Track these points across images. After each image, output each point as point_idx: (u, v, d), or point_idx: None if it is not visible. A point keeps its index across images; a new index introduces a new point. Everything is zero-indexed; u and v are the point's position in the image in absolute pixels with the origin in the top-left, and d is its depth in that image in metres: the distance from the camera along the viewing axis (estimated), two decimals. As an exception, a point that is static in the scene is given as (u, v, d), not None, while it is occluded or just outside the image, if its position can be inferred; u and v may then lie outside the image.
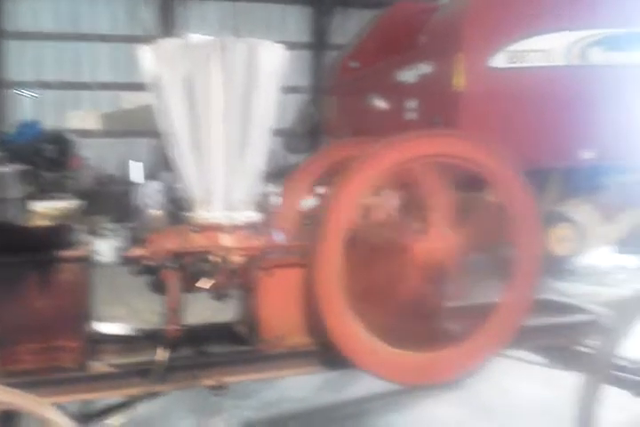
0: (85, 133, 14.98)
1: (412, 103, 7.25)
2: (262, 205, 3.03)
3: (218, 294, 2.88)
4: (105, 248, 8.11)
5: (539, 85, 6.69)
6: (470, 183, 3.06)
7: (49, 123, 14.59)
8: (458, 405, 4.53)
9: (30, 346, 2.59)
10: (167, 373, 2.67)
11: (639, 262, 8.47)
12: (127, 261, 2.78)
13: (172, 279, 2.74)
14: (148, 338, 2.99)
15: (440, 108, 6.76)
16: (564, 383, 3.33)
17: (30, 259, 2.61)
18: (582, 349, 3.46)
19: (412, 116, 7.24)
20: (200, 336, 3.04)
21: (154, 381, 2.64)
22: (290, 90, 15.21)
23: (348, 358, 2.82)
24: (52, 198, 10.17)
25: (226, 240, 2.85)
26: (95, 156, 14.85)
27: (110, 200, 12.23)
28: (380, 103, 7.87)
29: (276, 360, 2.89)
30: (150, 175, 14.23)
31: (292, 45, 3.14)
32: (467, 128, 6.18)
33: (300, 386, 4.84)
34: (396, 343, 2.87)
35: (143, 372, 2.67)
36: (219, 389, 2.76)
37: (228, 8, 16.75)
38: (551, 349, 3.56)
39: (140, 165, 15.14)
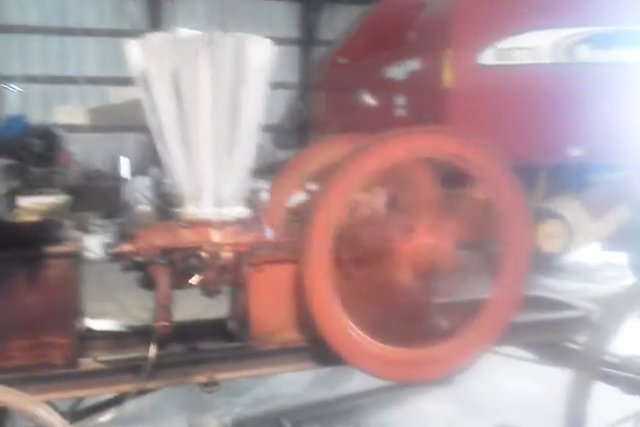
0: (73, 128, 14.91)
1: (400, 99, 7.24)
2: (251, 201, 3.02)
3: (208, 290, 2.88)
4: (93, 244, 8.08)
5: (527, 83, 6.69)
6: (459, 180, 3.06)
7: (36, 117, 14.54)
8: (447, 401, 4.54)
9: (19, 343, 2.58)
10: (158, 369, 2.66)
11: (627, 259, 8.51)
12: (115, 258, 2.76)
13: (162, 275, 2.73)
14: (138, 334, 2.98)
15: (429, 105, 6.76)
16: (553, 380, 3.35)
17: (19, 255, 2.59)
18: (572, 345, 3.47)
19: (400, 112, 7.24)
20: (190, 333, 3.04)
21: (144, 377, 2.63)
22: (278, 86, 15.18)
23: (339, 354, 2.83)
24: (40, 194, 10.11)
25: (215, 236, 2.84)
26: (83, 151, 14.80)
27: (98, 196, 12.19)
28: (369, 99, 7.87)
29: (267, 357, 2.89)
30: (139, 171, 14.19)
31: (280, 41, 3.13)
32: (455, 125, 6.17)
33: (292, 382, 4.83)
34: (386, 340, 2.88)
35: (133, 368, 2.66)
36: (210, 385, 2.76)
37: (215, 3, 16.72)
38: (541, 345, 3.57)
39: (126, 160, 15.09)
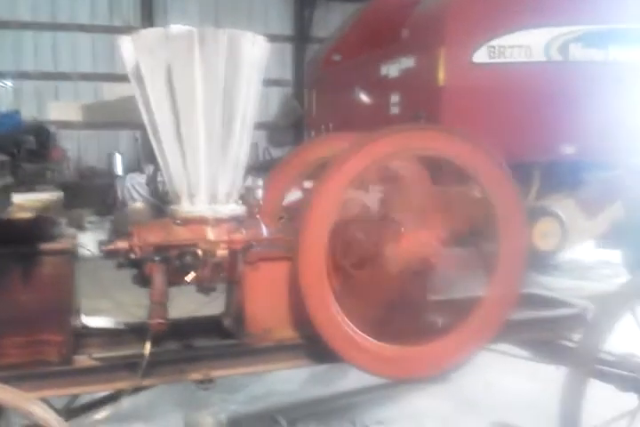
0: (66, 125, 14.89)
1: (394, 97, 7.27)
2: (246, 199, 3.01)
3: (203, 287, 2.87)
4: (88, 241, 8.06)
5: (520, 81, 6.73)
6: (453, 177, 3.07)
7: (29, 114, 14.48)
8: (443, 398, 4.54)
9: (14, 340, 2.56)
10: (153, 366, 2.65)
11: (621, 257, 8.54)
12: (108, 255, 2.75)
13: (157, 273, 2.72)
14: (134, 332, 2.98)
15: (423, 103, 6.79)
16: (548, 377, 3.35)
17: (13, 252, 2.58)
18: (567, 343, 3.48)
19: (394, 110, 7.26)
20: (186, 330, 3.03)
21: (140, 375, 2.62)
22: (273, 83, 15.20)
23: (334, 351, 2.83)
24: (33, 190, 10.08)
25: (210, 233, 2.83)
26: (76, 147, 14.77)
27: (93, 193, 12.17)
28: (363, 97, 7.88)
29: (263, 354, 2.88)
30: (133, 167, 14.17)
31: (274, 38, 3.14)
32: (449, 122, 6.20)
33: (287, 380, 4.83)
34: (382, 337, 2.88)
35: (129, 366, 2.65)
36: (205, 383, 2.75)
37: (209, -1, 16.71)
38: (536, 343, 3.58)
39: (120, 157, 15.06)
